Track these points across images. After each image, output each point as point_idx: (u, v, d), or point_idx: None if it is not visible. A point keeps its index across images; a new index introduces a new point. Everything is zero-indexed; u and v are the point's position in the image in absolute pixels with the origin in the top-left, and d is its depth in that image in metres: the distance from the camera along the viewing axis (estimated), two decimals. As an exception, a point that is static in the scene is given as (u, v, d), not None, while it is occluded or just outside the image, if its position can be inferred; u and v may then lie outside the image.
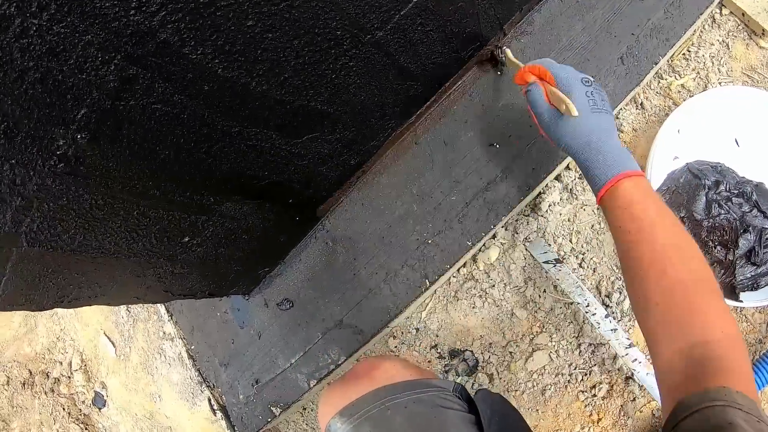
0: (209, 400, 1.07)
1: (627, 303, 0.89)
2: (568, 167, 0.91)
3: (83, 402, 1.39)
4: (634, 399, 0.90)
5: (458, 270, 0.89)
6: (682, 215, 0.90)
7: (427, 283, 0.83)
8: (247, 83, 0.55)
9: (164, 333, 1.22)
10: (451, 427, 0.57)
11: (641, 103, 0.95)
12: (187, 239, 0.72)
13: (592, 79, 0.64)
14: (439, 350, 0.92)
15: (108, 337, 1.35)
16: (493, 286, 0.88)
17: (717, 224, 0.91)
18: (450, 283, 0.89)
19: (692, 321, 0.50)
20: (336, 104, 0.69)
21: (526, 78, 0.69)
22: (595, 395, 0.89)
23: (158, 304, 1.12)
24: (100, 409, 1.38)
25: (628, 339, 0.84)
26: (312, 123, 0.69)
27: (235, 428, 1.03)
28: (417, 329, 0.91)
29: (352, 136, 0.78)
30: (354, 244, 0.88)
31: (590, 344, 0.89)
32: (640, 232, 0.54)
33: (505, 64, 0.85)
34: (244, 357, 1.00)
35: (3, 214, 0.45)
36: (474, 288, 0.88)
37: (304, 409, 1.05)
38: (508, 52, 0.82)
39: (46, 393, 1.42)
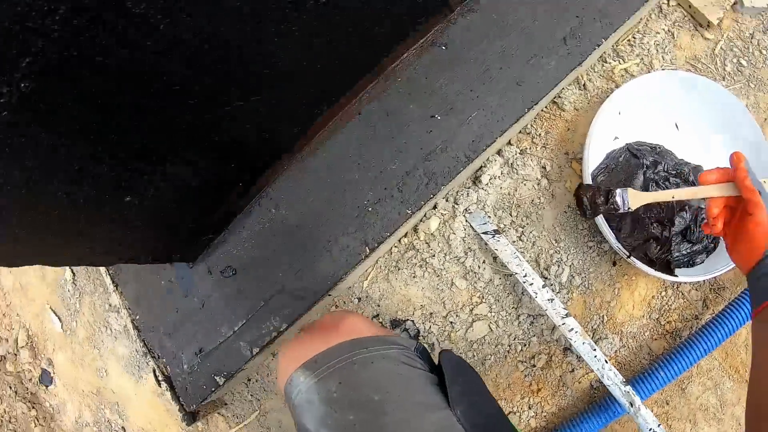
0: (154, 371, 1.05)
1: (565, 276, 0.92)
2: (510, 143, 0.93)
3: (30, 380, 1.36)
4: (572, 370, 0.93)
5: (399, 240, 0.90)
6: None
7: (367, 250, 0.84)
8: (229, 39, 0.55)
9: (110, 305, 1.21)
10: (415, 385, 0.57)
11: (584, 84, 0.98)
12: (129, 199, 0.72)
13: None
14: (380, 319, 0.93)
15: (54, 312, 1.32)
16: (434, 255, 0.89)
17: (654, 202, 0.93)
18: (391, 253, 0.90)
19: None
20: (293, 62, 0.70)
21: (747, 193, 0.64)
22: (534, 365, 0.91)
23: (105, 275, 1.10)
24: (47, 387, 1.35)
25: (564, 309, 0.86)
26: (270, 80, 0.69)
27: (180, 399, 1.02)
28: (359, 298, 0.92)
29: (298, 101, 0.79)
30: (297, 211, 0.89)
31: (529, 315, 0.91)
32: None
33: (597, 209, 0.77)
34: (188, 326, 0.99)
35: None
36: (415, 257, 0.90)
37: (249, 380, 1.05)
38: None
39: (-9, 371, 1.39)
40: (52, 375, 1.34)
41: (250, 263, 0.92)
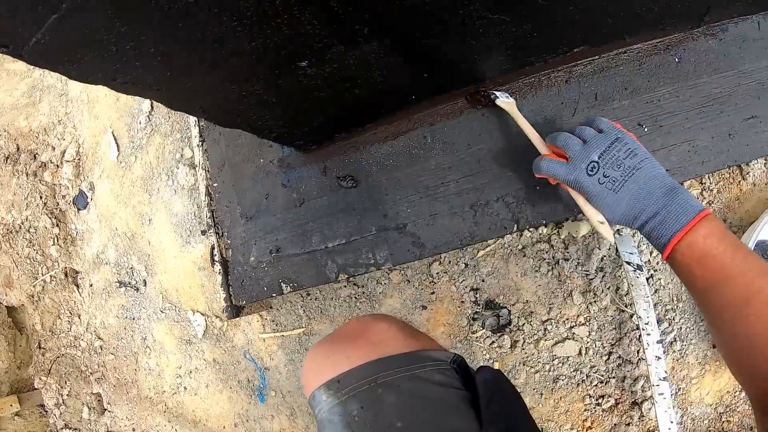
0: (213, 248, 0.97)
1: (670, 336, 0.88)
2: (682, 183, 0.87)
3: (64, 197, 1.26)
4: (629, 423, 0.90)
5: (538, 228, 0.83)
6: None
7: (515, 227, 0.77)
8: None
9: (182, 156, 1.10)
10: (446, 408, 0.54)
11: (771, 164, 0.92)
12: (305, 64, 0.62)
13: (597, 160, 0.57)
14: (477, 295, 0.87)
15: (115, 138, 1.21)
16: (567, 260, 0.83)
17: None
18: (521, 236, 0.84)
19: None
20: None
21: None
22: (599, 404, 0.88)
23: (193, 125, 0.99)
24: (79, 209, 1.26)
25: (665, 372, 0.82)
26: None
27: (231, 289, 0.95)
28: (466, 264, 0.85)
29: (522, 38, 0.70)
30: (455, 152, 0.80)
31: (620, 357, 0.87)
32: (727, 279, 0.49)
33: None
34: (273, 218, 0.91)
35: None
36: (546, 252, 0.83)
37: (308, 295, 0.99)
38: (508, 102, 0.73)
39: (27, 175, 1.28)
40: (88, 200, 1.24)
41: (377, 184, 0.84)
